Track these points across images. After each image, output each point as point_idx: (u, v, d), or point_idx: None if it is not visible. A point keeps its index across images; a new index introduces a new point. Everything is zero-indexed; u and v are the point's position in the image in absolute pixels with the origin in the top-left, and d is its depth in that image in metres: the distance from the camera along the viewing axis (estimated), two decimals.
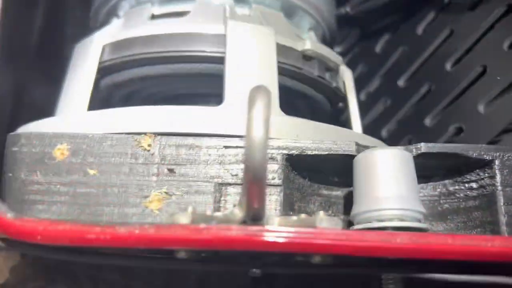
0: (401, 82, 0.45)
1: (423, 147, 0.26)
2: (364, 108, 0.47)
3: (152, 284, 0.62)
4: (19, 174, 0.25)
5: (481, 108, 0.37)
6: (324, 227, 0.19)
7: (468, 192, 0.28)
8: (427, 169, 0.27)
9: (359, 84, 0.48)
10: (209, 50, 0.31)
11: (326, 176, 0.29)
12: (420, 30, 0.44)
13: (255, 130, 0.17)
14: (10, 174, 0.25)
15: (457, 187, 0.28)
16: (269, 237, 0.19)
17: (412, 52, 0.44)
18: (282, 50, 0.32)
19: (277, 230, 0.19)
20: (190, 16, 0.33)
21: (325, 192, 0.29)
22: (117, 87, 0.35)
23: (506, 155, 0.26)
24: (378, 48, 0.48)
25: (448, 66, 0.41)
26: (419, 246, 0.19)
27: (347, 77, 0.39)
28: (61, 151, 0.25)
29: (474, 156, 0.26)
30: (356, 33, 0.49)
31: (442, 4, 0.42)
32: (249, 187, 0.18)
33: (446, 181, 0.28)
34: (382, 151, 0.24)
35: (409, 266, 0.21)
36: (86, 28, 0.38)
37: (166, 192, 0.25)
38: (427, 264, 0.21)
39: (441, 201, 0.28)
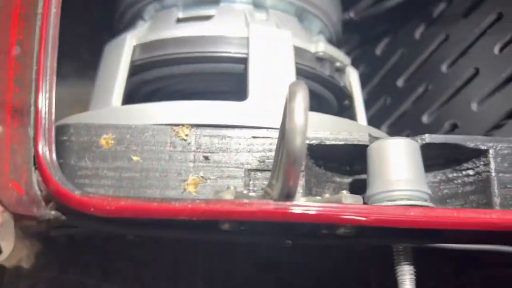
0: (399, 82, 0.48)
1: (428, 137, 0.30)
2: (365, 106, 0.50)
3: (161, 273, 0.64)
4: (69, 161, 0.28)
5: (474, 106, 0.41)
6: (349, 203, 0.22)
7: (465, 179, 0.31)
8: (429, 159, 0.31)
9: (361, 84, 0.52)
10: (234, 51, 0.34)
11: (339, 165, 0.32)
12: (417, 34, 0.48)
13: (297, 118, 0.20)
14: (61, 161, 0.28)
15: (455, 174, 0.31)
16: (303, 210, 0.22)
17: (410, 55, 0.48)
18: (298, 52, 0.36)
19: (309, 204, 0.22)
20: (214, 20, 0.36)
21: (337, 179, 0.33)
22: (144, 84, 0.38)
23: (499, 145, 0.29)
24: (378, 50, 0.52)
25: (443, 68, 0.45)
26: (429, 218, 0.22)
27: (353, 77, 0.42)
28: (106, 140, 0.28)
29: (471, 146, 0.29)
30: (358, 37, 0.53)
31: (438, 11, 0.46)
32: (288, 167, 0.21)
33: (446, 169, 0.32)
34: (394, 140, 0.28)
35: (418, 237, 0.25)
36: None
37: (202, 177, 0.28)
38: (434, 236, 0.24)
39: (441, 187, 0.32)
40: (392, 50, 0.50)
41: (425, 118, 0.45)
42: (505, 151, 0.29)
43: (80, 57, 0.55)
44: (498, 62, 0.40)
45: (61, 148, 0.28)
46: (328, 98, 0.40)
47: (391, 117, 0.48)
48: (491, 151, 0.29)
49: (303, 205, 0.22)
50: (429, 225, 0.22)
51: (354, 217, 0.22)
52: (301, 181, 0.29)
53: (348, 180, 0.33)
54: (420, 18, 0.47)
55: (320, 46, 0.37)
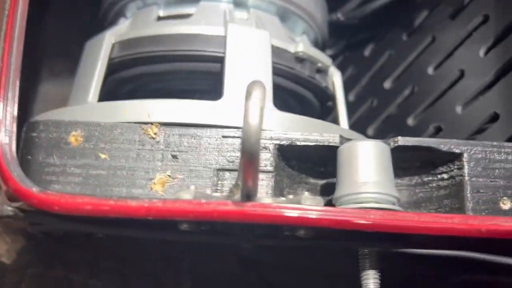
0: (387, 84, 0.48)
1: (400, 140, 0.29)
2: (352, 108, 0.50)
3: (146, 272, 0.64)
4: (37, 157, 0.28)
5: (458, 109, 0.41)
6: (308, 204, 0.22)
7: (440, 183, 0.31)
8: (404, 162, 0.31)
9: (348, 85, 0.52)
10: (210, 50, 0.34)
11: (313, 166, 0.32)
12: (405, 36, 0.47)
13: (251, 117, 0.20)
14: (29, 157, 0.28)
15: (430, 178, 0.31)
16: (260, 210, 0.22)
17: (398, 57, 0.47)
18: (276, 51, 0.35)
19: (267, 205, 0.22)
20: (193, 18, 0.36)
21: (312, 180, 0.32)
22: (123, 82, 0.38)
23: (473, 149, 0.29)
24: (366, 52, 0.51)
25: (430, 70, 0.44)
26: (389, 222, 0.22)
27: (336, 78, 0.42)
28: (75, 137, 0.28)
29: (444, 149, 0.29)
30: (347, 39, 0.52)
31: (425, 13, 0.45)
32: (245, 168, 0.21)
33: (421, 173, 0.31)
34: (363, 142, 0.27)
35: (383, 242, 0.24)
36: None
37: (169, 175, 0.28)
38: (398, 240, 0.24)
39: (417, 191, 0.32)
40: (380, 51, 0.49)
41: (410, 121, 0.45)
42: (479, 155, 0.29)
43: (71, 56, 0.55)
44: (483, 65, 0.39)
45: (30, 145, 0.29)
46: (310, 99, 0.40)
47: (377, 119, 0.48)
48: (465, 154, 0.29)
49: (260, 205, 0.22)
50: (389, 228, 0.22)
51: (311, 218, 0.22)
52: (271, 182, 0.28)
53: (322, 182, 0.33)
54: (407, 20, 0.47)
55: (300, 47, 0.37)
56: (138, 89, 0.39)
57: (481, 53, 0.40)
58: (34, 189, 0.23)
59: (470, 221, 0.22)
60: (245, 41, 0.34)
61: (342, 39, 0.53)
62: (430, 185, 0.31)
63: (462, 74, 0.41)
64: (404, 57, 0.47)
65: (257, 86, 0.21)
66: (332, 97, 0.42)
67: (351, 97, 0.52)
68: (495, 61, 0.38)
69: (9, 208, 0.24)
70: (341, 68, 0.51)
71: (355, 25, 0.49)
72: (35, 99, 0.38)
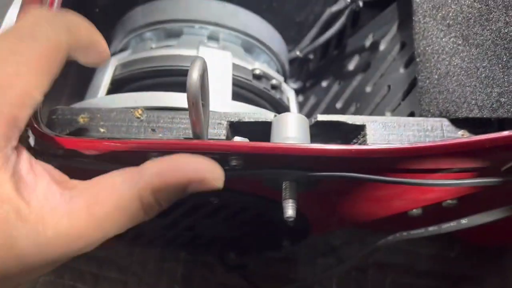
0: (338, 105, 0.59)
1: (319, 117, 0.39)
2: None
3: (145, 280, 0.72)
4: (56, 132, 0.39)
5: (388, 114, 0.51)
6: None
7: None
8: (325, 135, 0.40)
9: (311, 113, 0.63)
10: (186, 65, 0.46)
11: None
12: (351, 66, 0.59)
13: (193, 73, 0.31)
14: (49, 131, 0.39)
15: None
16: (201, 145, 0.32)
17: (345, 83, 0.59)
18: (236, 67, 0.47)
19: (208, 141, 0.32)
20: (175, 46, 0.48)
21: None
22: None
23: (373, 123, 0.39)
24: (324, 83, 0.63)
25: (368, 89, 0.55)
26: (298, 148, 0.32)
27: (290, 94, 0.53)
28: (83, 118, 0.39)
29: (350, 122, 0.39)
30: (307, 73, 0.65)
31: (368, 43, 0.58)
32: (190, 111, 0.32)
33: (340, 143, 0.41)
34: (288, 113, 0.38)
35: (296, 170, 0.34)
36: None
37: None
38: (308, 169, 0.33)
39: None
40: (333, 81, 0.61)
41: None
42: (378, 126, 0.39)
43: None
44: (403, 79, 0.50)
45: (51, 124, 0.40)
46: (267, 108, 0.51)
47: None
48: (367, 126, 0.39)
49: (203, 141, 0.32)
50: (298, 152, 0.32)
51: (235, 145, 0.32)
52: None
53: None
54: (351, 52, 0.59)
55: (257, 65, 0.49)
56: None
57: (401, 70, 0.51)
58: (61, 136, 0.33)
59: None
60: (211, 58, 0.46)
61: (304, 74, 0.65)
62: None
63: (389, 88, 0.52)
64: (350, 82, 0.58)
65: (198, 59, 0.32)
66: (287, 109, 0.53)
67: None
68: (412, 73, 0.50)
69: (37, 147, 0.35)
70: (306, 98, 0.63)
71: (311, 60, 0.61)
72: (61, 98, 0.50)
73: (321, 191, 0.42)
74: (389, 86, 0.52)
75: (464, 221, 0.39)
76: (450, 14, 0.41)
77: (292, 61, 0.61)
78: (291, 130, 0.37)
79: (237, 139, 0.34)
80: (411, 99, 0.48)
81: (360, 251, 0.46)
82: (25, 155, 0.28)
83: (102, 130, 0.39)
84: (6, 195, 0.26)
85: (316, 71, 0.64)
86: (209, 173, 0.29)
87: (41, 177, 0.28)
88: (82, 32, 0.30)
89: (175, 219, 0.49)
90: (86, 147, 0.33)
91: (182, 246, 0.63)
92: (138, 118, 0.39)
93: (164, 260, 0.70)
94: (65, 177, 0.30)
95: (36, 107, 0.26)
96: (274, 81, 0.50)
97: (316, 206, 0.45)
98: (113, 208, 0.28)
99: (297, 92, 0.64)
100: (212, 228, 0.52)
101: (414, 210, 0.50)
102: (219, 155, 0.33)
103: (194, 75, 0.31)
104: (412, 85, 0.49)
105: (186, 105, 0.40)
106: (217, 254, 0.64)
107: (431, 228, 0.41)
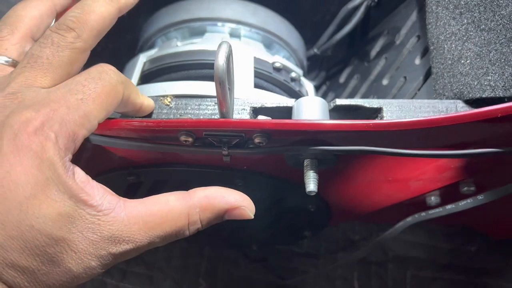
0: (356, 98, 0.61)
1: (337, 101, 0.41)
2: None
3: (170, 275, 0.74)
4: None
5: None
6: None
7: None
8: (347, 117, 0.42)
9: None
10: (210, 58, 0.49)
11: None
12: (366, 63, 0.61)
13: (220, 55, 0.33)
14: None
15: None
16: (228, 123, 0.34)
17: (363, 77, 0.61)
18: (257, 61, 0.50)
19: (233, 120, 0.35)
20: (200, 42, 0.51)
21: None
22: None
23: (389, 105, 0.41)
24: (341, 79, 0.65)
25: (384, 81, 0.57)
26: (314, 124, 0.34)
27: (308, 87, 0.55)
28: None
29: (367, 106, 0.41)
30: (325, 70, 0.67)
31: (382, 41, 0.60)
32: (217, 93, 0.34)
33: None
34: (309, 97, 0.40)
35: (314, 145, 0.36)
36: None
37: None
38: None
39: None
40: (350, 76, 0.63)
41: None
42: (394, 108, 0.41)
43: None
44: (418, 70, 0.52)
45: None
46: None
47: None
48: (384, 108, 0.41)
49: (229, 120, 0.35)
50: (315, 127, 0.34)
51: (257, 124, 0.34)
52: None
53: None
54: (368, 47, 0.61)
55: (276, 58, 0.51)
56: None
57: (417, 61, 0.53)
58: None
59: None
60: (234, 53, 0.48)
61: (322, 71, 0.67)
62: None
63: (405, 79, 0.54)
64: (367, 76, 0.60)
65: (224, 43, 0.34)
66: None
67: None
68: (427, 64, 0.51)
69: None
70: (324, 96, 0.65)
71: (330, 57, 0.64)
72: None
73: (340, 173, 0.43)
74: (405, 77, 0.54)
75: (481, 197, 0.40)
76: (461, 2, 0.43)
77: (310, 59, 0.64)
78: (312, 113, 0.39)
79: (261, 117, 0.36)
80: (427, 88, 0.50)
81: (380, 234, 0.48)
82: (81, 171, 0.32)
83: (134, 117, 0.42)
84: (69, 192, 0.29)
85: (333, 68, 0.66)
86: (246, 203, 0.34)
87: (97, 187, 0.31)
88: (134, 90, 0.36)
89: None
90: (125, 126, 0.35)
91: (206, 239, 0.65)
92: (167, 105, 0.42)
93: (188, 256, 0.72)
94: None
95: (90, 132, 0.31)
96: (293, 74, 0.53)
97: (335, 190, 0.47)
98: (164, 219, 0.32)
99: (316, 89, 0.67)
100: None
101: (432, 198, 0.51)
102: (245, 132, 0.35)
103: (221, 57, 0.33)
104: (428, 74, 0.51)
105: (211, 93, 0.43)
106: (239, 247, 0.65)
107: (448, 207, 0.42)
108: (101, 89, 0.32)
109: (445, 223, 0.69)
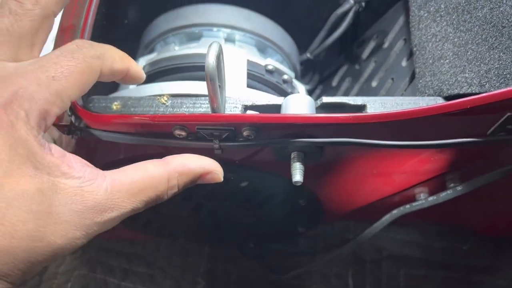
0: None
1: (324, 99, 0.44)
2: None
3: (170, 274, 0.76)
4: None
5: None
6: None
7: None
8: None
9: None
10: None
11: None
12: (357, 66, 0.64)
13: (210, 54, 0.36)
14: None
15: None
16: (217, 117, 0.37)
17: (354, 80, 0.63)
18: (250, 63, 0.52)
19: (223, 114, 0.37)
20: (196, 46, 0.54)
21: None
22: None
23: (372, 102, 0.43)
24: (334, 82, 0.68)
25: (374, 83, 0.60)
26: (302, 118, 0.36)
27: (301, 89, 0.58)
28: (116, 105, 0.45)
29: (351, 103, 0.43)
30: (317, 73, 0.69)
31: (372, 45, 0.62)
32: (208, 89, 0.36)
33: None
34: (296, 94, 0.42)
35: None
36: None
37: None
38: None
39: None
40: (342, 79, 0.66)
41: None
42: (378, 105, 0.43)
43: None
44: (404, 71, 0.55)
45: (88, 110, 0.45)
46: None
47: None
48: (368, 105, 0.43)
49: (218, 114, 0.37)
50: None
51: (248, 116, 0.37)
52: None
53: None
54: (358, 51, 0.64)
55: (269, 61, 0.54)
56: None
57: (403, 63, 0.55)
58: (93, 112, 0.39)
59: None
60: (228, 56, 0.51)
61: (315, 75, 0.70)
62: None
63: (393, 80, 0.56)
64: (357, 79, 0.63)
65: (214, 43, 0.37)
66: None
67: None
68: (411, 67, 0.54)
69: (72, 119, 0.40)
70: (317, 98, 0.68)
71: (322, 61, 0.66)
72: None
73: (328, 168, 0.46)
74: (392, 79, 0.56)
75: (459, 188, 0.42)
76: (441, 6, 0.46)
77: (303, 63, 0.66)
78: (299, 110, 0.41)
79: (250, 112, 0.39)
80: (412, 88, 0.52)
81: (366, 228, 0.50)
82: (57, 146, 0.32)
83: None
84: (48, 167, 0.29)
85: (326, 72, 0.68)
86: (218, 168, 0.37)
87: (76, 160, 0.32)
88: (116, 59, 0.35)
89: (199, 203, 0.54)
90: (123, 120, 0.38)
91: (205, 236, 0.67)
92: (163, 103, 0.45)
93: (188, 255, 0.74)
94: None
95: (63, 110, 0.31)
96: (285, 76, 0.55)
97: (324, 184, 0.49)
98: (146, 185, 0.33)
99: (309, 92, 0.69)
100: (231, 213, 0.56)
101: (421, 196, 0.53)
102: (234, 126, 0.38)
103: (211, 55, 0.36)
104: (413, 75, 0.53)
105: (206, 92, 0.46)
106: (237, 245, 0.67)
107: (430, 198, 0.44)
108: (75, 67, 0.31)
109: (438, 222, 0.71)
